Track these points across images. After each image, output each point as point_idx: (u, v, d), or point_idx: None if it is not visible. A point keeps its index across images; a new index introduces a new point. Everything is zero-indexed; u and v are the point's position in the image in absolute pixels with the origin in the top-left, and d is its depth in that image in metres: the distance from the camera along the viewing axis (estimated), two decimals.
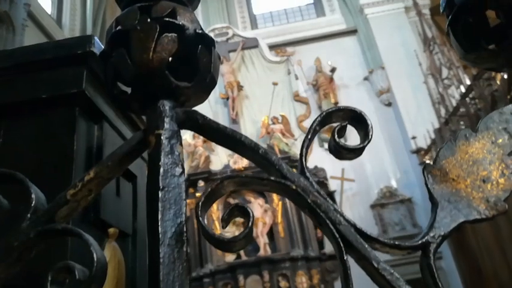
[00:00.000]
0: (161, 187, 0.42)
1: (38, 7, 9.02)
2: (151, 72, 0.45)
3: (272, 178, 0.42)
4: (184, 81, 0.48)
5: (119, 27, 0.49)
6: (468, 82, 6.19)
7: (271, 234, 8.09)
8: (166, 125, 0.46)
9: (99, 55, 0.51)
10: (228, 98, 9.81)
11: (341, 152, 0.46)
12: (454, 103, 6.37)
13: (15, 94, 0.81)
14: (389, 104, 9.40)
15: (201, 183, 8.48)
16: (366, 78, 9.82)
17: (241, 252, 7.96)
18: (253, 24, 11.70)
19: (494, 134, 0.43)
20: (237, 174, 0.44)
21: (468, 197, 0.40)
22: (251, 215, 0.43)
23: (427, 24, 7.95)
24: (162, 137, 0.45)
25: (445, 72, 7.05)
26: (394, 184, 8.76)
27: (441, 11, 0.52)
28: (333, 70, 9.63)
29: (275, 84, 9.36)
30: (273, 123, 9.25)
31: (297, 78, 10.00)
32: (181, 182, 0.44)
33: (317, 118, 0.45)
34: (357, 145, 0.45)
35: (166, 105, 0.47)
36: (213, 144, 9.54)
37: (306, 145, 0.43)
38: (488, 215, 0.39)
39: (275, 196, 8.33)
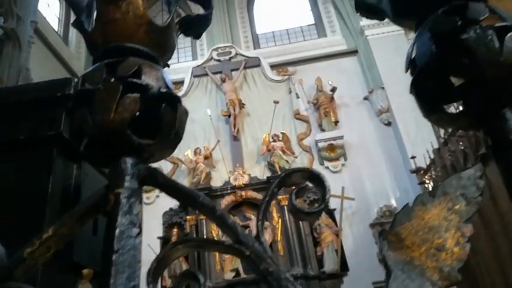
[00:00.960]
0: (115, 249, 0.42)
1: (44, 24, 9.18)
2: (112, 132, 0.46)
3: (226, 243, 0.42)
4: (149, 137, 0.49)
5: (84, 86, 0.49)
6: None
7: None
8: (126, 183, 0.46)
9: (65, 112, 0.52)
10: (229, 116, 9.86)
11: (299, 214, 0.46)
12: None
13: None
14: (389, 124, 9.41)
15: None
16: (365, 98, 9.87)
17: (240, 270, 7.88)
18: (256, 43, 11.85)
19: (452, 199, 0.43)
20: (192, 238, 0.44)
21: (422, 266, 0.40)
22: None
23: None
24: (121, 196, 0.45)
25: None
26: (393, 203, 8.70)
27: (405, 70, 0.53)
28: (333, 89, 9.69)
29: (276, 102, 9.42)
30: (274, 141, 9.27)
31: (297, 97, 10.06)
32: (137, 243, 0.43)
33: (276, 179, 0.45)
34: (313, 208, 0.45)
35: (128, 162, 0.47)
36: (214, 160, 9.60)
37: (263, 208, 0.43)
38: (441, 286, 0.39)
39: (275, 213, 8.29)
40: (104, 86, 0.48)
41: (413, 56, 0.53)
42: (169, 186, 0.47)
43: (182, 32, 0.66)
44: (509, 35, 0.50)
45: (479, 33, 0.49)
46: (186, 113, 0.53)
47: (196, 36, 0.69)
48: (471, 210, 0.43)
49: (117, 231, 0.43)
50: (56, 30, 10.19)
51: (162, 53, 0.58)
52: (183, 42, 12.25)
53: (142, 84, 0.48)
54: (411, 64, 0.51)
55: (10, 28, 5.38)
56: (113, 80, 0.48)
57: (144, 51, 0.54)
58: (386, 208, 8.63)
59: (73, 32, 10.82)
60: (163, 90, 0.50)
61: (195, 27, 0.68)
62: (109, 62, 0.50)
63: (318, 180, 0.46)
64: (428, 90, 0.49)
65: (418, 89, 0.50)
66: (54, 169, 0.74)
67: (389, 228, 0.44)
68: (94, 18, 0.56)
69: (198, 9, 0.73)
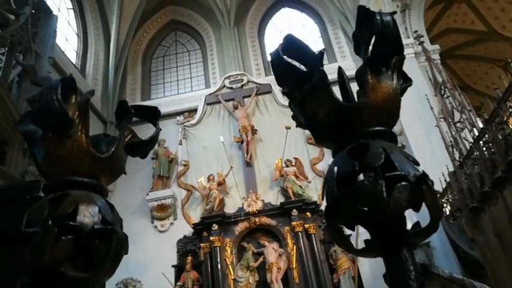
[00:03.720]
0: None
1: (62, 57, 9.56)
2: (48, 272, 0.53)
3: None
4: (86, 268, 0.56)
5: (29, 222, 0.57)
6: (481, 125, 6.18)
7: (285, 279, 7.89)
8: None
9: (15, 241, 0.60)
10: (242, 142, 9.97)
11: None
12: (468, 146, 6.33)
13: None
14: (403, 147, 9.37)
15: (215, 227, 8.46)
16: None
17: None
18: (267, 70, 12.09)
19: None
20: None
21: None
22: None
23: (437, 69, 8.08)
24: None
25: (457, 115, 7.07)
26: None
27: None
28: None
29: (288, 128, 9.50)
30: (287, 166, 9.30)
31: None
32: None
33: None
34: None
35: None
36: (228, 187, 9.63)
37: None
38: None
39: (289, 240, 8.21)
40: (42, 229, 0.55)
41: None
42: None
43: (128, 153, 0.72)
44: (397, 185, 0.58)
45: (372, 182, 0.59)
46: (125, 238, 0.61)
47: (143, 156, 0.75)
48: None
49: None
50: (74, 63, 10.59)
51: (109, 177, 0.67)
52: (196, 71, 12.58)
53: (77, 225, 0.56)
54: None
55: (29, 65, 5.60)
56: (50, 222, 0.55)
57: (86, 183, 0.61)
58: None
59: (90, 65, 11.25)
60: (97, 226, 0.57)
61: (141, 149, 0.74)
62: (52, 197, 0.59)
63: None
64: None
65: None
66: None
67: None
68: (43, 152, 0.63)
69: None
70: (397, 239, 0.61)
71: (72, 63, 10.37)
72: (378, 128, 0.66)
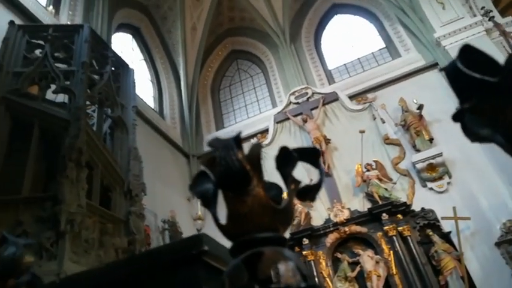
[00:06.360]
0: None
1: (143, 104, 10.53)
2: None
3: None
4: None
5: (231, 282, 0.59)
6: None
7: (387, 286, 7.60)
8: None
9: None
10: None
11: None
12: None
13: None
14: None
15: (305, 241, 8.46)
16: None
17: None
18: (330, 79, 12.09)
19: None
20: None
21: None
22: None
23: None
24: None
25: None
26: None
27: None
28: (420, 107, 9.34)
29: (362, 132, 9.34)
30: (368, 170, 9.08)
31: (383, 122, 9.86)
32: None
33: None
34: None
35: None
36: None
37: None
38: None
39: (384, 245, 7.94)
40: None
41: None
42: None
43: (298, 198, 0.72)
44: None
45: None
46: None
47: (312, 199, 0.74)
48: None
49: None
50: (153, 107, 11.60)
51: (285, 228, 0.69)
52: (261, 93, 13.00)
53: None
54: None
55: (117, 116, 6.12)
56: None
57: (273, 238, 0.62)
58: (510, 223, 7.74)
59: (166, 106, 12.23)
60: (303, 285, 0.58)
61: (310, 193, 0.72)
62: (244, 258, 0.60)
63: None
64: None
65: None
66: None
67: None
68: (227, 212, 0.65)
69: None
70: None
71: (151, 108, 11.37)
72: None
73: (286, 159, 0.71)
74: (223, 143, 0.67)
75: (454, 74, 0.56)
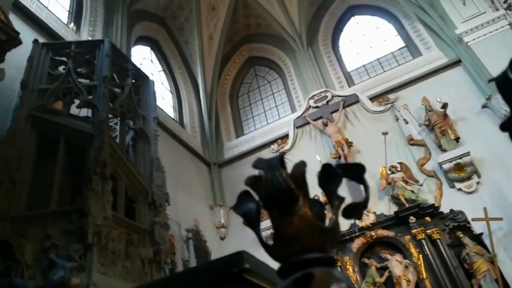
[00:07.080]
0: None
1: (163, 114, 10.67)
2: None
3: None
4: None
5: None
6: None
7: None
8: None
9: None
10: (339, 157, 9.83)
11: None
12: None
13: None
14: None
15: None
16: (484, 106, 9.00)
17: None
18: (350, 81, 11.95)
19: None
20: None
21: None
22: None
23: None
24: None
25: None
26: None
27: None
28: (444, 106, 9.09)
29: (385, 133, 9.15)
30: (392, 173, 8.89)
31: (406, 122, 9.65)
32: None
33: None
34: None
35: None
36: None
37: None
38: None
39: (413, 249, 7.72)
40: None
41: None
42: None
43: (344, 217, 0.71)
44: None
45: None
46: None
47: (359, 217, 0.73)
48: None
49: None
50: (173, 117, 11.73)
51: (333, 247, 0.67)
52: (280, 99, 12.97)
53: None
54: None
55: (139, 128, 6.19)
56: None
57: (322, 259, 0.61)
58: None
59: (186, 116, 12.35)
60: None
61: (356, 211, 0.70)
62: (295, 280, 0.59)
63: None
64: None
65: None
66: None
67: None
68: (274, 233, 0.65)
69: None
70: None
71: (171, 118, 11.50)
72: None
73: (330, 176, 0.69)
74: (268, 163, 0.67)
75: (504, 84, 0.54)
